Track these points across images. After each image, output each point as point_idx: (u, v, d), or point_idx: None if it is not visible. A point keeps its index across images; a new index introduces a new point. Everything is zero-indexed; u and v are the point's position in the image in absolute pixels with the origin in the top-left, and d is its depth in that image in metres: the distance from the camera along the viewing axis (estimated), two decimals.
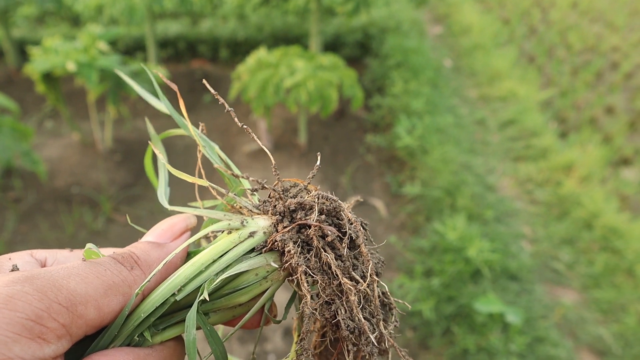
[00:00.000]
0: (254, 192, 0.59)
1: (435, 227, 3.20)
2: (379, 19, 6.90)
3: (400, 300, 0.57)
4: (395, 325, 0.55)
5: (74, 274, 0.43)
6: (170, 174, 0.65)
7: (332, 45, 6.43)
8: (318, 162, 0.60)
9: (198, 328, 0.50)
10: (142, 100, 5.56)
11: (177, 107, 0.68)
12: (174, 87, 0.59)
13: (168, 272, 0.52)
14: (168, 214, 0.58)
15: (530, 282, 2.99)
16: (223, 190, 0.57)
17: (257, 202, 0.58)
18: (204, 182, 0.57)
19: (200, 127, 0.64)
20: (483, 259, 2.88)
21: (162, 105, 0.68)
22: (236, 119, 0.59)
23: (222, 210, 0.59)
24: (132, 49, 6.78)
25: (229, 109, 0.58)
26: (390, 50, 5.78)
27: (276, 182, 0.57)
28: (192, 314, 0.49)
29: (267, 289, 0.54)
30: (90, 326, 0.43)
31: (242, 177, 0.60)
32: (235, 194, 0.58)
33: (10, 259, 0.48)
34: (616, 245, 3.27)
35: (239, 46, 6.71)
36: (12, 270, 0.45)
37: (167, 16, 7.63)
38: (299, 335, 0.56)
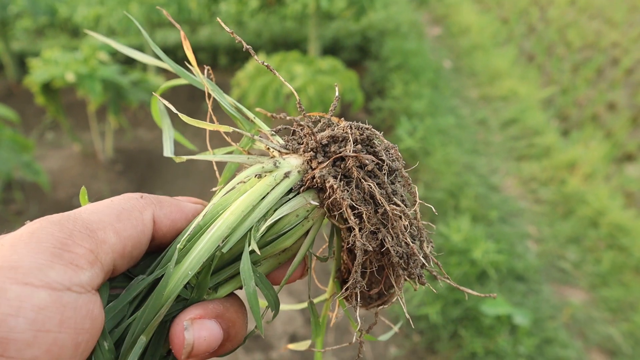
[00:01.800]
0: (275, 133, 0.57)
1: (440, 229, 3.17)
2: (377, 21, 6.90)
3: (424, 222, 0.56)
4: (431, 246, 0.54)
5: (83, 209, 0.44)
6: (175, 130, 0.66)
7: (331, 50, 6.43)
8: (337, 93, 0.58)
9: (237, 274, 0.50)
10: (142, 110, 5.56)
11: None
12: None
13: (181, 215, 0.51)
14: None
15: (537, 282, 2.96)
16: (248, 134, 0.55)
17: (283, 143, 0.55)
18: (226, 128, 0.55)
19: (206, 71, 0.61)
20: (489, 260, 2.86)
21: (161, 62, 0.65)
22: (255, 57, 0.56)
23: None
24: (132, 59, 6.78)
25: (247, 46, 0.55)
26: (389, 53, 5.77)
27: (300, 116, 0.55)
28: (245, 266, 0.47)
29: (310, 229, 0.52)
30: (115, 252, 0.44)
31: (254, 119, 0.58)
32: (259, 136, 0.55)
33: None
34: (623, 243, 3.24)
35: (237, 53, 6.71)
36: None
37: (165, 25, 7.63)
38: (338, 270, 0.57)
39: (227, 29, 0.55)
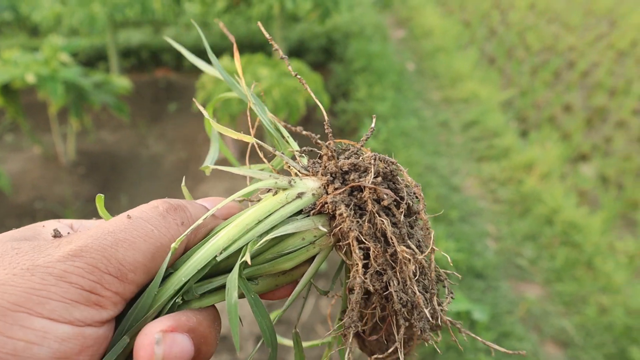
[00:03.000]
0: (302, 154, 0.55)
1: None
2: (342, 24, 6.96)
3: (449, 271, 0.55)
4: (451, 298, 0.52)
5: (121, 240, 0.43)
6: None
7: (296, 51, 6.46)
8: (373, 124, 0.55)
9: (242, 296, 0.48)
10: (105, 111, 5.49)
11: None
12: (232, 38, 0.56)
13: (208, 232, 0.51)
14: None
15: (496, 279, 3.07)
16: (271, 149, 0.54)
17: (306, 164, 0.54)
18: (250, 139, 0.54)
19: (252, 86, 0.60)
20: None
21: (211, 68, 0.64)
22: (280, 52, 0.54)
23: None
24: (94, 59, 6.68)
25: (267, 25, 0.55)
26: (354, 55, 5.85)
27: (329, 142, 0.52)
28: (233, 275, 0.46)
29: (314, 256, 0.50)
30: (140, 286, 0.45)
31: (289, 139, 0.57)
32: (282, 153, 0.54)
33: (44, 226, 0.49)
34: (576, 240, 3.39)
35: (203, 54, 6.65)
36: (55, 236, 0.46)
37: (129, 25, 7.54)
38: (344, 312, 0.53)
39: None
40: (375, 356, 0.53)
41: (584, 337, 2.76)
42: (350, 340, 0.48)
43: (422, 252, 0.48)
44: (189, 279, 0.47)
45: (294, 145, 0.57)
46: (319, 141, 0.51)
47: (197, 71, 6.54)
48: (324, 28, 6.77)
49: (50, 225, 0.49)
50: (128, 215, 0.46)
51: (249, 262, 0.45)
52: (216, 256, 0.47)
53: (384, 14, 8.61)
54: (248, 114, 0.58)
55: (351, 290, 0.48)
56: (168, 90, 6.18)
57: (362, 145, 0.53)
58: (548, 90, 6.25)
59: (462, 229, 3.40)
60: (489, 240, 3.47)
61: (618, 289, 3.02)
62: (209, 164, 0.62)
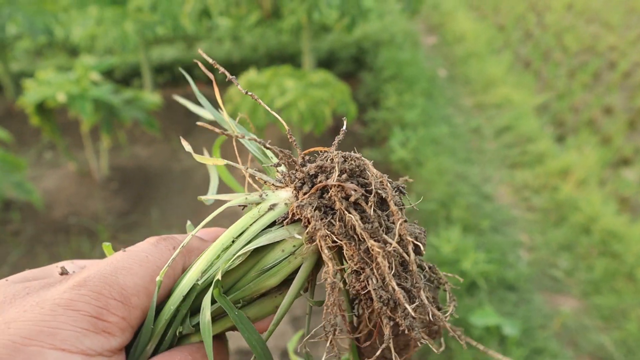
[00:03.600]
0: (277, 167, 0.55)
1: (431, 240, 3.17)
2: (372, 32, 6.92)
3: (450, 274, 0.53)
4: (454, 305, 0.50)
5: (119, 268, 0.45)
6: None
7: (326, 62, 6.45)
8: (344, 127, 0.54)
9: (223, 314, 0.48)
10: (138, 127, 5.60)
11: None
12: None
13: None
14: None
15: (529, 291, 2.94)
16: (238, 166, 0.54)
17: (280, 176, 0.53)
18: (238, 166, 0.54)
19: (237, 118, 0.62)
20: (478, 271, 2.84)
21: (204, 110, 0.65)
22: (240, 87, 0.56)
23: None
24: (129, 76, 6.85)
25: (230, 77, 0.55)
26: (384, 63, 5.79)
27: (300, 154, 0.52)
28: (208, 295, 0.46)
29: (299, 267, 0.49)
30: (145, 311, 0.46)
31: (272, 158, 0.57)
32: (256, 170, 0.54)
33: (57, 266, 0.51)
34: (615, 249, 3.22)
35: (234, 67, 6.75)
36: (62, 274, 0.48)
37: (163, 41, 7.71)
38: (351, 324, 0.52)
39: (207, 57, 0.55)
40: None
41: (624, 354, 2.60)
42: (330, 343, 0.46)
43: (402, 246, 0.46)
44: (177, 307, 0.47)
45: (274, 161, 0.57)
46: (277, 151, 0.52)
47: (229, 84, 6.62)
48: (354, 37, 6.74)
49: (65, 265, 0.52)
50: (124, 250, 0.48)
51: (219, 278, 0.45)
52: (198, 280, 0.47)
53: (415, 20, 8.52)
54: (234, 144, 0.59)
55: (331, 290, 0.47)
56: (201, 105, 6.25)
57: (335, 149, 0.52)
58: (587, 93, 6.03)
59: (493, 239, 3.28)
60: (522, 250, 3.34)
61: None
62: (210, 195, 0.63)
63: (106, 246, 0.55)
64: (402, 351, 0.52)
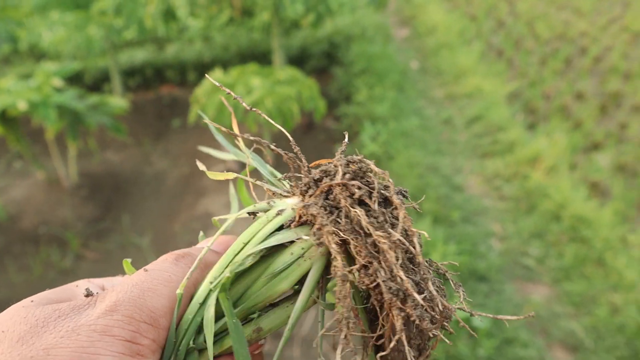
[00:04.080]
0: (282, 180, 0.57)
1: None
2: (343, 27, 6.89)
3: (446, 262, 0.54)
4: (462, 292, 0.51)
5: (146, 290, 0.46)
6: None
7: (298, 58, 6.41)
8: (346, 139, 0.56)
9: (244, 322, 0.49)
10: (108, 133, 5.52)
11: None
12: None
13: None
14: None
15: (500, 281, 2.93)
16: (245, 178, 0.57)
17: (287, 187, 0.56)
18: (229, 175, 0.56)
19: (251, 149, 0.62)
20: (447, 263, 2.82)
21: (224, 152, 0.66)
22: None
23: None
24: (99, 81, 6.75)
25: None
26: (354, 58, 5.76)
27: (304, 164, 0.54)
28: (213, 294, 0.47)
29: (309, 270, 0.49)
30: (172, 330, 0.47)
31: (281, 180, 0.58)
32: (263, 182, 0.56)
33: (77, 286, 0.51)
34: (585, 235, 3.22)
35: (206, 68, 6.67)
36: (88, 295, 0.48)
37: (133, 44, 7.60)
38: (370, 326, 0.52)
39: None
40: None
41: (594, 340, 2.60)
42: (345, 337, 0.45)
43: (408, 239, 0.47)
44: (194, 315, 0.48)
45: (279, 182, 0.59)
46: (281, 152, 0.54)
47: (196, 85, 6.56)
48: (325, 32, 6.71)
49: (83, 285, 0.52)
50: (145, 269, 0.49)
51: (228, 276, 0.46)
52: (211, 283, 0.48)
53: (387, 13, 8.50)
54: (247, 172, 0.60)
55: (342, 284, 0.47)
56: (172, 107, 6.18)
57: (339, 159, 0.52)
58: (558, 79, 6.05)
59: (465, 230, 3.27)
60: (494, 240, 3.33)
61: (631, 286, 2.85)
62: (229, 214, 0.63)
63: (126, 262, 0.56)
64: (423, 351, 0.51)
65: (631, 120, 5.01)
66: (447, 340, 0.49)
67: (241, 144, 0.60)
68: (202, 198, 4.37)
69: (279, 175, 0.58)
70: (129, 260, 0.56)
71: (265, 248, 0.49)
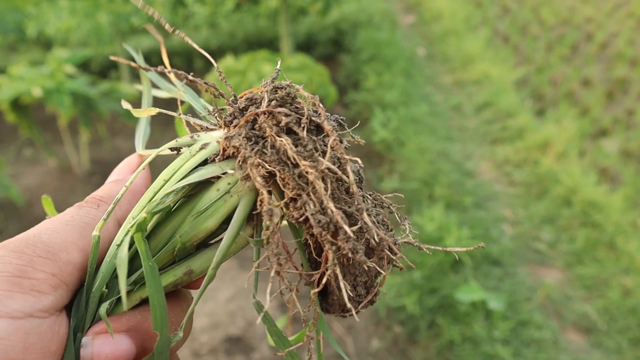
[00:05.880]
0: (214, 113, 0.53)
1: (414, 219, 3.19)
2: (350, 13, 6.87)
3: (390, 194, 0.51)
4: (408, 224, 0.48)
5: (43, 230, 0.43)
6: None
7: (305, 45, 6.40)
8: (278, 65, 0.52)
9: (167, 268, 0.47)
10: (117, 120, 5.54)
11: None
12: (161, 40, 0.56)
13: (134, 201, 0.49)
14: None
15: (513, 265, 2.98)
16: (171, 113, 0.53)
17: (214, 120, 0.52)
18: (153, 110, 0.53)
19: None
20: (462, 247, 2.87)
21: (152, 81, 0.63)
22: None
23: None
24: (106, 68, 6.76)
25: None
26: (362, 45, 5.77)
27: (231, 92, 0.51)
28: (127, 234, 0.44)
29: (236, 206, 0.46)
30: (82, 270, 0.44)
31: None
32: (189, 115, 0.53)
33: None
34: (596, 219, 3.27)
35: (212, 54, 6.62)
36: None
37: (139, 32, 7.59)
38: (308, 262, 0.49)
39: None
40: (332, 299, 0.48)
41: (607, 322, 2.66)
42: (277, 274, 0.43)
43: (340, 168, 0.44)
44: (110, 259, 0.45)
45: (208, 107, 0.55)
46: (215, 87, 0.50)
47: (208, 72, 6.56)
48: (332, 19, 6.69)
49: None
50: (48, 217, 0.48)
51: (144, 217, 0.43)
52: (129, 225, 0.45)
53: (393, 0, 8.47)
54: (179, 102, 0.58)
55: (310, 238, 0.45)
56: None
57: (266, 84, 0.49)
58: (565, 65, 6.06)
59: (476, 215, 3.31)
60: (506, 225, 3.37)
61: None
62: (138, 146, 0.61)
63: (45, 199, 0.53)
64: (367, 291, 0.49)
65: (638, 106, 5.03)
66: (399, 267, 0.47)
67: (173, 77, 0.56)
68: None
69: (202, 101, 0.56)
70: (48, 197, 0.53)
71: (188, 185, 0.46)
